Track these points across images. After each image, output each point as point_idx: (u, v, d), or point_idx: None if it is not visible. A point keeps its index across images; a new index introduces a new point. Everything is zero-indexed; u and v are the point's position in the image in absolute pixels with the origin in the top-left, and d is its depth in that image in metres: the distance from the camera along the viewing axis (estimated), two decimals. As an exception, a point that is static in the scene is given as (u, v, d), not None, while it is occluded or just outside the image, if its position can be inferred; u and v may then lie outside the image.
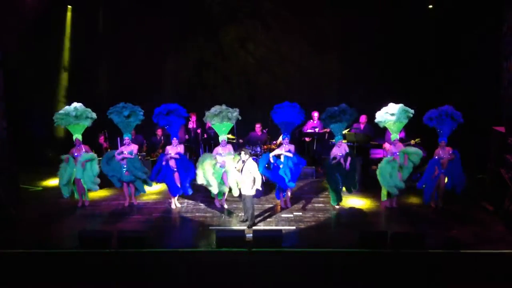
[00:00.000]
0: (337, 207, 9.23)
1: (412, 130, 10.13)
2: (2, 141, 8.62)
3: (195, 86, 13.00)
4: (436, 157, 8.75)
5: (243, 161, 7.97)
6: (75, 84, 12.39)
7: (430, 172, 8.81)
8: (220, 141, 9.10)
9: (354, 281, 7.09)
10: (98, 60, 12.36)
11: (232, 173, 8.71)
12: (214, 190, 8.88)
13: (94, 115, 9.17)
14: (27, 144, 11.23)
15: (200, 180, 8.84)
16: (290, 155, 8.90)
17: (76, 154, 9.01)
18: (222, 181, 8.90)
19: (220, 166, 8.75)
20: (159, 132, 11.22)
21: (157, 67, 12.83)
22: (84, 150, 9.10)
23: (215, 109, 9.01)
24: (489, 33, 9.99)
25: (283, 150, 8.97)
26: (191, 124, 11.90)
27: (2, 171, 8.45)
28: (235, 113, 9.04)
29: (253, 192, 8.06)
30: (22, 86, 11.40)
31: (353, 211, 9.16)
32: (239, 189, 8.07)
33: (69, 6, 11.63)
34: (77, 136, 9.03)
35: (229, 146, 9.18)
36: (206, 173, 8.76)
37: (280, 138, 9.67)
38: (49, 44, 12.03)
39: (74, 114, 8.81)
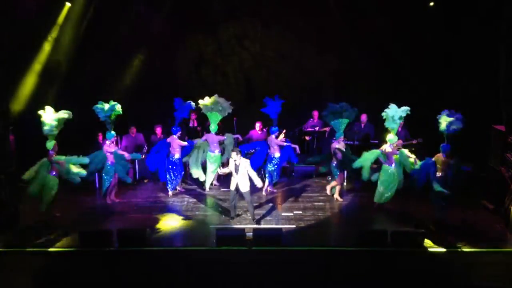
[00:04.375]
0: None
1: (414, 130, 10.14)
2: (2, 141, 8.60)
3: (194, 83, 12.99)
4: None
5: (235, 161, 8.17)
6: (74, 83, 12.35)
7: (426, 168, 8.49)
8: (212, 131, 9.75)
9: (353, 280, 7.11)
10: (97, 58, 12.31)
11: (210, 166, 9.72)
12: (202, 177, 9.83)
13: (63, 117, 8.57)
14: (27, 144, 11.21)
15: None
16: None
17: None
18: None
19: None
20: (158, 131, 11.20)
21: (156, 64, 12.83)
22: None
23: (208, 100, 9.66)
24: (488, 32, 9.97)
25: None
26: (192, 123, 11.90)
27: (2, 171, 8.44)
28: (225, 104, 9.65)
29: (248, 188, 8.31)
30: (22, 85, 11.37)
31: (353, 210, 9.18)
32: (237, 187, 8.28)
33: (67, 4, 11.57)
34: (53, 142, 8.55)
35: (219, 136, 9.80)
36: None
37: (281, 137, 9.81)
38: (48, 42, 12.00)
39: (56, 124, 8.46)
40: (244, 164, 8.22)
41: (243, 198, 8.44)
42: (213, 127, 9.74)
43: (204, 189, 10.15)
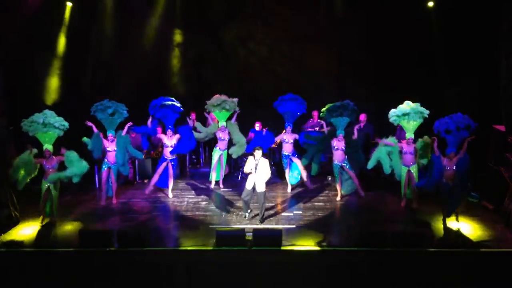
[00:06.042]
0: (338, 199, 9.49)
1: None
2: (2, 140, 8.61)
3: (195, 83, 12.99)
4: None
5: (256, 160, 8.17)
6: (74, 81, 12.36)
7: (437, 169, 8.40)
8: (219, 126, 10.02)
9: (354, 280, 7.12)
10: (97, 58, 12.32)
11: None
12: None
13: (65, 124, 8.56)
14: (27, 143, 11.21)
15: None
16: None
17: (47, 166, 8.43)
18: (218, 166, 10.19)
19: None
20: (158, 130, 11.19)
21: (157, 64, 12.82)
22: (56, 161, 8.47)
23: (215, 100, 9.91)
24: (488, 32, 9.97)
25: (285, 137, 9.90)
26: (192, 123, 11.88)
27: (2, 170, 8.44)
28: (233, 104, 9.91)
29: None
30: (23, 84, 11.38)
31: (353, 210, 9.18)
32: (254, 186, 8.26)
33: (69, 4, 11.59)
34: (47, 146, 8.40)
35: (228, 131, 10.01)
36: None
37: (279, 140, 9.97)
38: (49, 41, 12.00)
39: (42, 121, 8.24)
40: (264, 163, 8.17)
41: (258, 198, 8.33)
42: (222, 123, 9.99)
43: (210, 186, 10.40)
